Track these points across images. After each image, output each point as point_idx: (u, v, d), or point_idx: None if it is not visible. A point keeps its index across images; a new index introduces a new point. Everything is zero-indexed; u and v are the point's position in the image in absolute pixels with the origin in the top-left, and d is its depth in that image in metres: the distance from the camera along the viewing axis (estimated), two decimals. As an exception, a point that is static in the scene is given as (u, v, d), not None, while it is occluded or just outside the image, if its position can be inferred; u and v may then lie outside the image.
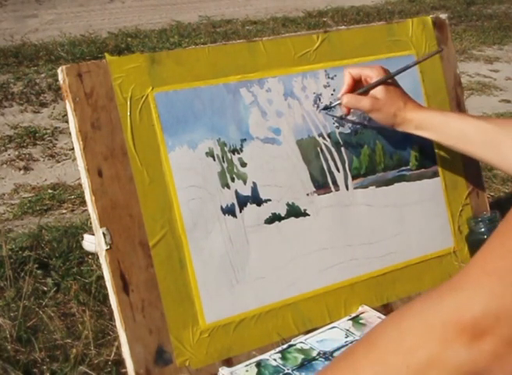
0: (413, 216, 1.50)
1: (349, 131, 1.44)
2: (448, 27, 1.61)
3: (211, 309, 1.26)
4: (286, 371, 1.20)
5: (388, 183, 1.48)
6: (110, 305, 1.24)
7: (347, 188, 1.43)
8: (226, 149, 1.31)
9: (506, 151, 1.26)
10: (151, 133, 1.25)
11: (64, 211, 2.37)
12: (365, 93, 1.37)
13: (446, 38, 1.59)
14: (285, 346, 1.27)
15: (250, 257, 1.31)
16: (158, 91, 1.26)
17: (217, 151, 1.30)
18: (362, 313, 1.37)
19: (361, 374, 0.57)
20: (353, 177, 1.43)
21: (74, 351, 1.34)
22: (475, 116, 1.38)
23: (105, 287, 1.23)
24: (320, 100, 1.42)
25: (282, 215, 1.35)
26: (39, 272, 1.70)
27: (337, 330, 1.32)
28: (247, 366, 1.22)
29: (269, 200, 1.34)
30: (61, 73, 1.20)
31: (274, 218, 1.34)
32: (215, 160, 1.30)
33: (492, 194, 2.15)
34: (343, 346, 1.26)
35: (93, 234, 1.26)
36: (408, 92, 1.41)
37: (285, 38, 1.42)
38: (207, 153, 1.29)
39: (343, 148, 1.43)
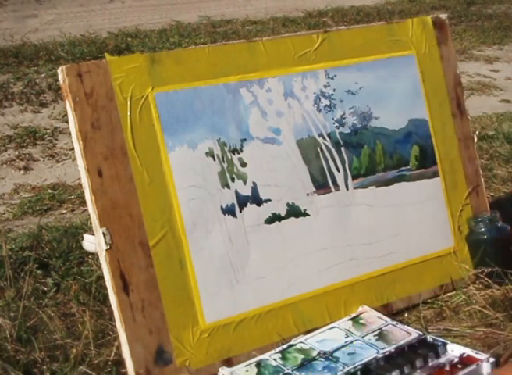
0: (413, 216, 1.49)
1: (349, 131, 1.44)
2: (448, 27, 1.61)
3: (211, 309, 1.26)
4: (286, 371, 1.20)
5: (388, 183, 1.48)
6: (110, 305, 1.24)
7: (347, 188, 1.42)
8: (226, 149, 1.31)
9: None
10: (151, 133, 1.25)
11: (64, 211, 2.37)
12: None
13: (446, 38, 1.59)
14: (285, 346, 1.27)
15: (250, 257, 1.31)
16: (158, 91, 1.26)
17: (217, 151, 1.30)
18: (362, 313, 1.37)
19: None
20: (353, 177, 1.43)
21: (74, 351, 1.34)
22: None
23: (105, 287, 1.22)
24: (320, 100, 1.42)
25: (282, 215, 1.35)
26: (39, 272, 1.70)
27: (337, 330, 1.32)
28: (247, 366, 1.22)
29: (269, 200, 1.34)
30: (61, 73, 1.20)
31: (274, 218, 1.34)
32: (215, 160, 1.30)
33: (492, 194, 2.15)
34: (343, 346, 1.26)
35: (93, 234, 1.26)
36: (408, 92, 1.41)
37: (285, 38, 1.42)
38: (207, 153, 1.29)
39: (343, 148, 1.43)
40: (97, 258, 1.34)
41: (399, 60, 1.50)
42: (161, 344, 1.21)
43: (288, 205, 1.35)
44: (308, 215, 1.37)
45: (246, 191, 1.32)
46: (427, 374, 1.19)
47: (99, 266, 1.44)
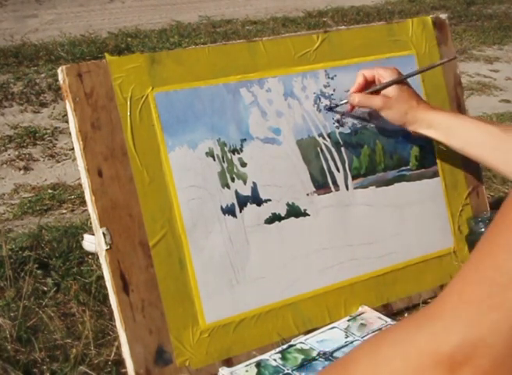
0: (413, 216, 1.50)
1: (349, 131, 1.44)
2: (448, 27, 1.61)
3: (211, 309, 1.26)
4: (286, 371, 1.20)
5: (388, 183, 1.48)
6: (110, 305, 1.24)
7: (347, 188, 1.43)
8: (226, 149, 1.31)
9: (510, 157, 1.26)
10: (151, 133, 1.25)
11: (64, 211, 2.36)
12: (377, 92, 1.38)
13: (446, 38, 1.59)
14: (285, 346, 1.27)
15: (250, 257, 1.31)
16: (158, 91, 1.26)
17: (217, 151, 1.30)
18: (362, 313, 1.37)
19: None
20: (353, 177, 1.43)
21: (74, 351, 1.34)
22: (487, 121, 1.38)
23: (105, 287, 1.22)
24: (320, 100, 1.42)
25: (282, 215, 1.35)
26: (39, 272, 1.70)
27: (337, 330, 1.32)
28: (247, 366, 1.22)
29: (269, 200, 1.34)
30: (61, 73, 1.20)
31: (274, 218, 1.34)
32: (215, 160, 1.30)
33: (492, 194, 2.15)
34: (343, 346, 1.26)
35: (93, 234, 1.26)
36: (408, 92, 1.40)
37: (285, 38, 1.42)
38: (207, 153, 1.29)
39: (343, 148, 1.43)
40: (97, 258, 1.34)
41: (399, 60, 1.50)
42: (161, 344, 1.21)
43: (288, 205, 1.35)
44: (308, 215, 1.37)
45: (246, 191, 1.32)
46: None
47: (99, 266, 1.44)
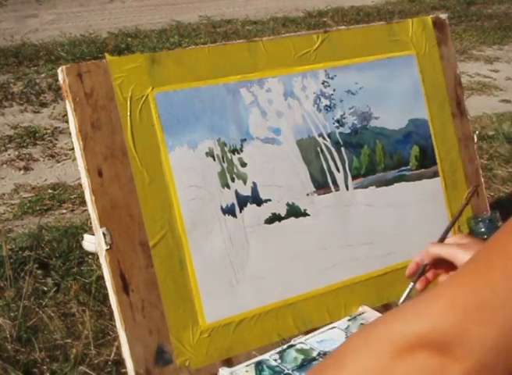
0: (413, 216, 1.50)
1: (349, 131, 1.44)
2: (448, 27, 1.61)
3: (211, 309, 1.26)
4: (286, 371, 1.20)
5: (388, 183, 1.48)
6: (110, 305, 1.24)
7: (347, 188, 1.42)
8: (226, 149, 1.31)
9: None
10: (151, 133, 1.25)
11: (64, 211, 2.36)
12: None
13: (446, 38, 1.59)
14: (285, 346, 1.27)
15: (250, 257, 1.31)
16: (158, 91, 1.26)
17: (217, 151, 1.30)
18: (362, 313, 1.37)
19: None
20: (353, 177, 1.43)
21: (74, 351, 1.34)
22: None
23: (105, 287, 1.22)
24: (320, 100, 1.42)
25: (282, 215, 1.35)
26: (39, 272, 1.70)
27: (337, 330, 1.32)
28: (247, 366, 1.22)
29: (269, 200, 1.34)
30: (61, 73, 1.20)
31: (274, 218, 1.34)
32: (215, 160, 1.30)
33: (492, 194, 2.15)
34: (343, 346, 1.26)
35: (93, 234, 1.26)
36: (408, 92, 1.41)
37: (285, 38, 1.42)
38: (207, 153, 1.29)
39: (343, 148, 1.43)
40: (97, 258, 1.34)
41: (399, 60, 1.50)
42: (161, 344, 1.21)
43: (288, 205, 1.35)
44: (308, 215, 1.37)
45: (246, 191, 1.32)
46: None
47: (99, 266, 1.44)
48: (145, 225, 1.22)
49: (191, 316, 1.25)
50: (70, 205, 2.41)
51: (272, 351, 1.26)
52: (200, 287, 1.25)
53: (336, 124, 1.43)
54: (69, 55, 4.32)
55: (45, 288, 1.63)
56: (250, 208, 1.32)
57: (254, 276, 1.31)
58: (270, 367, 1.21)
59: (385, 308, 1.43)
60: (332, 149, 1.42)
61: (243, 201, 1.31)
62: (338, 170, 1.42)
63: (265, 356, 1.24)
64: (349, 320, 1.35)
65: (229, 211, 1.30)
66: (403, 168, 1.50)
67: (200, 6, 6.35)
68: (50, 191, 2.56)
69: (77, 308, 1.53)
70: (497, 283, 0.50)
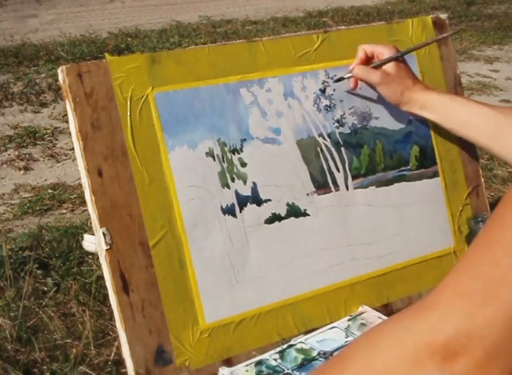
0: (413, 216, 1.50)
1: (349, 131, 1.44)
2: (448, 27, 1.61)
3: (211, 309, 1.26)
4: (286, 371, 1.20)
5: (388, 183, 1.48)
6: (110, 305, 1.24)
7: (347, 188, 1.43)
8: (226, 149, 1.31)
9: (507, 140, 1.26)
10: (151, 133, 1.25)
11: (64, 211, 2.37)
12: (377, 68, 1.40)
13: (446, 38, 1.59)
14: (285, 346, 1.27)
15: (250, 257, 1.31)
16: (158, 91, 1.26)
17: (217, 151, 1.30)
18: (362, 313, 1.37)
19: None
20: (353, 177, 1.43)
21: (74, 351, 1.34)
22: (481, 103, 1.38)
23: (105, 287, 1.23)
24: (320, 100, 1.42)
25: (282, 215, 1.35)
26: (39, 272, 1.70)
27: (337, 330, 1.32)
28: (247, 365, 1.22)
29: (269, 200, 1.34)
30: (61, 73, 1.20)
31: (274, 218, 1.34)
32: (215, 160, 1.30)
33: (492, 194, 2.15)
34: (343, 346, 1.26)
35: (93, 234, 1.26)
36: (408, 92, 1.40)
37: (285, 38, 1.42)
38: (207, 153, 1.29)
39: (343, 148, 1.43)
40: (97, 258, 1.34)
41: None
42: (161, 344, 1.21)
43: (288, 205, 1.35)
44: (308, 215, 1.37)
45: (246, 191, 1.32)
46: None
47: (99, 266, 1.44)
48: (145, 225, 1.22)
49: (191, 315, 1.25)
50: (70, 205, 2.41)
51: (272, 351, 1.26)
52: (200, 287, 1.25)
53: (336, 124, 1.43)
54: (69, 55, 4.32)
55: (45, 288, 1.63)
56: (250, 208, 1.32)
57: (254, 276, 1.31)
58: (270, 367, 1.21)
59: (385, 308, 1.43)
60: (332, 149, 1.42)
61: (243, 201, 1.31)
62: (338, 170, 1.42)
63: (265, 356, 1.24)
64: (349, 320, 1.35)
65: (229, 211, 1.30)
66: (403, 168, 1.50)
67: (200, 6, 6.35)
68: (50, 191, 2.56)
69: (77, 308, 1.53)
70: (498, 257, 0.50)
